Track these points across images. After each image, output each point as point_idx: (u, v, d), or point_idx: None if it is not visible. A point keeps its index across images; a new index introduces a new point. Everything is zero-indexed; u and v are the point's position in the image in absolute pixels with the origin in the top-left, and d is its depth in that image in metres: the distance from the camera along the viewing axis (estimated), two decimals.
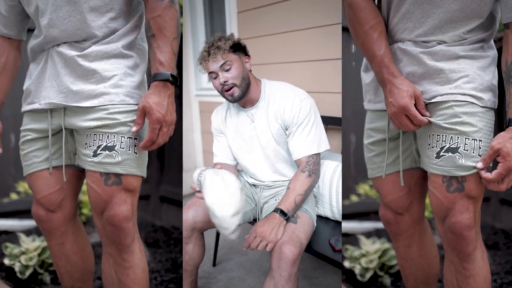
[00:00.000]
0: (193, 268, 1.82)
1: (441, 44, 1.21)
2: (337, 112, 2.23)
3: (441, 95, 1.21)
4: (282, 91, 1.84)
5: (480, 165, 1.18)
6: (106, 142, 1.29)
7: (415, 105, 1.22)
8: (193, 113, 3.77)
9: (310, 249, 1.72)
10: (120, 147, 1.30)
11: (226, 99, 1.81)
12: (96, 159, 1.30)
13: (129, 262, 1.39)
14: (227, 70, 1.76)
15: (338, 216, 1.96)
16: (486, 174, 1.17)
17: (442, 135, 1.22)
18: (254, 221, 1.97)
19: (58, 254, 1.53)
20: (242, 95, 1.79)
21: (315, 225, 1.79)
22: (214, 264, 2.50)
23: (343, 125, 2.20)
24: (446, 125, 1.21)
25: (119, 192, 1.32)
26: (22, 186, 2.49)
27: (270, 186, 1.95)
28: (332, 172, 1.99)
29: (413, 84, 1.24)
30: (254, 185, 2.01)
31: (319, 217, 2.01)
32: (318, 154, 1.78)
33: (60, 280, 1.60)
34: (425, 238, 1.52)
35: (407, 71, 1.25)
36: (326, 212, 2.00)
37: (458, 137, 1.19)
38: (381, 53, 1.24)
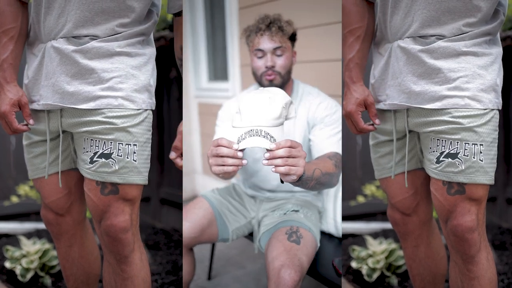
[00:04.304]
0: (184, 285, 1.72)
1: (440, 39, 1.19)
2: None
3: (440, 98, 1.18)
4: (317, 93, 1.73)
5: None
6: (103, 149, 1.24)
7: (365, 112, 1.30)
8: (191, 115, 3.65)
9: (309, 269, 1.57)
10: (118, 155, 1.24)
11: (261, 83, 1.67)
12: (92, 167, 1.25)
13: (127, 273, 1.35)
14: (279, 56, 1.61)
15: (341, 233, 1.81)
16: None
17: (442, 140, 1.20)
18: (250, 235, 1.84)
19: (65, 256, 1.51)
20: (279, 87, 1.64)
21: (319, 245, 1.63)
22: (209, 278, 2.32)
23: (346, 127, 2.19)
24: (445, 130, 1.19)
25: (116, 201, 1.27)
26: (23, 189, 2.48)
27: (271, 199, 1.83)
28: (337, 185, 1.82)
29: (368, 91, 1.29)
30: (253, 197, 1.89)
31: (321, 233, 1.83)
32: (340, 159, 1.58)
33: (65, 282, 1.58)
34: (433, 238, 1.50)
35: (407, 70, 1.23)
36: (329, 228, 1.83)
37: (457, 142, 1.18)
38: (350, 57, 1.29)
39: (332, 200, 1.83)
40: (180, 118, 1.42)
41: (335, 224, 1.80)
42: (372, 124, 1.34)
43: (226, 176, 1.40)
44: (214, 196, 1.79)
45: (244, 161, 1.13)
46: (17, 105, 1.26)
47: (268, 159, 1.12)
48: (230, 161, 1.12)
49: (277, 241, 1.50)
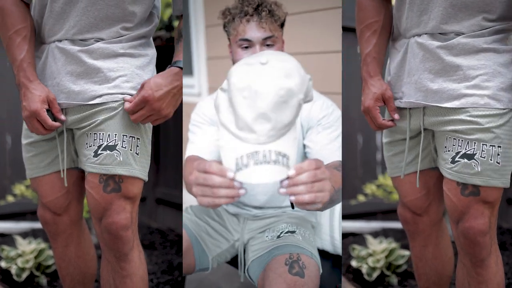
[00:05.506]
0: None
1: (459, 35, 1.16)
2: None
3: (458, 97, 1.16)
4: None
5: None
6: (107, 141, 1.25)
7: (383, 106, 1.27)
8: None
9: None
10: (122, 146, 1.25)
11: None
12: (97, 160, 1.25)
13: (126, 271, 1.35)
14: (269, 47, 1.34)
15: (340, 250, 1.57)
16: None
17: (458, 139, 1.17)
18: (232, 261, 1.56)
19: (61, 256, 1.51)
20: None
21: (321, 271, 1.36)
22: None
23: (347, 125, 2.19)
24: (462, 130, 1.15)
25: (118, 199, 1.28)
26: (19, 189, 2.48)
27: (258, 217, 1.55)
28: None
29: (386, 85, 1.26)
30: (236, 216, 1.59)
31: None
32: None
33: (61, 282, 1.57)
34: (442, 239, 1.48)
35: (424, 67, 1.21)
36: (325, 245, 1.58)
37: (474, 143, 1.14)
38: (367, 51, 1.28)
39: (328, 213, 1.59)
40: (176, 118, 1.41)
41: (331, 240, 1.57)
42: (392, 120, 1.30)
43: (216, 207, 0.96)
44: (189, 219, 1.53)
45: (242, 191, 0.83)
46: (46, 102, 1.23)
47: (286, 187, 0.82)
48: (223, 192, 0.82)
49: (276, 275, 1.22)
